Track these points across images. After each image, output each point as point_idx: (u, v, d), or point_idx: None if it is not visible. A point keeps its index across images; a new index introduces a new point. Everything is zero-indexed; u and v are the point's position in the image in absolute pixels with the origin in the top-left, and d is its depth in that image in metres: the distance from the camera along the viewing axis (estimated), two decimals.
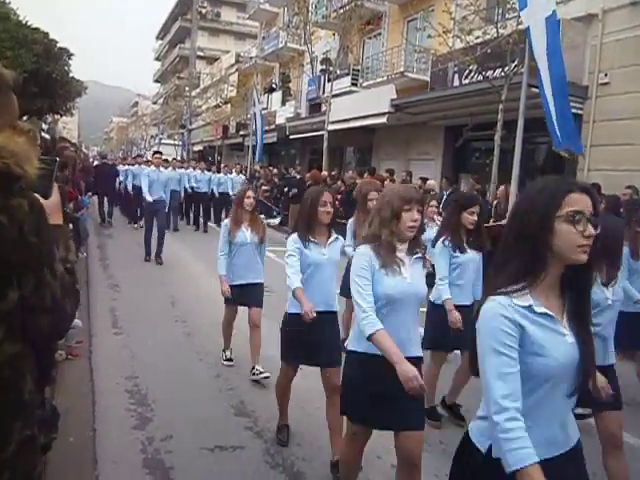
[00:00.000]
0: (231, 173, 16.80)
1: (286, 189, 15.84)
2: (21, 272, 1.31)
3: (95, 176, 13.37)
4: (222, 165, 20.82)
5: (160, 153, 11.92)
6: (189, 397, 4.32)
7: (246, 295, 4.91)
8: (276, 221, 16.47)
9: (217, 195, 15.83)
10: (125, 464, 3.31)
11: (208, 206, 16.07)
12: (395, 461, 3.50)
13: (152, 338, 5.75)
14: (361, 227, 4.55)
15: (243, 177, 18.07)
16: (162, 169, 11.02)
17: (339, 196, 13.87)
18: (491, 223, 9.25)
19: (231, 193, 14.93)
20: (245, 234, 4.91)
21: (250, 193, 5.05)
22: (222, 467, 3.33)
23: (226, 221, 5.05)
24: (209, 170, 16.63)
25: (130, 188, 14.49)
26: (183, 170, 15.60)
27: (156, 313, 6.74)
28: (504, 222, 8.69)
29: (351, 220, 5.24)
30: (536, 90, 8.89)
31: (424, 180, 11.96)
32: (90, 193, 11.62)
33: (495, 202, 9.64)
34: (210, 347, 5.52)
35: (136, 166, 15.33)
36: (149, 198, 10.17)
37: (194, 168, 16.33)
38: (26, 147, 1.32)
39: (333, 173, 16.22)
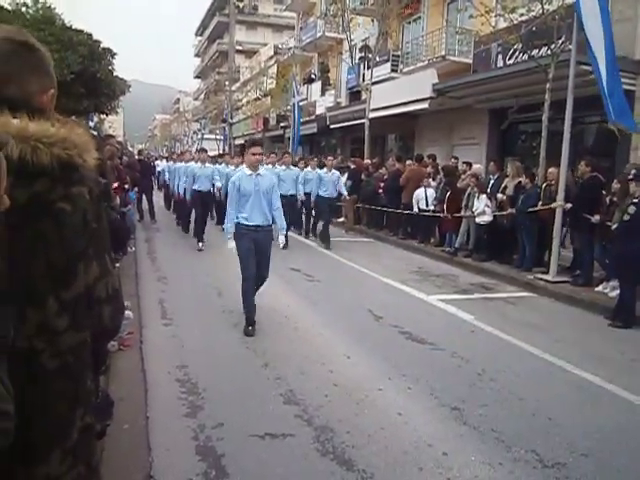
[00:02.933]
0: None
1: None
2: (86, 260, 1.33)
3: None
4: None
5: (205, 150, 12.43)
6: (238, 386, 4.36)
7: None
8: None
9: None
10: (178, 451, 3.36)
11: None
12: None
13: (200, 328, 5.84)
14: None
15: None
16: (207, 164, 11.68)
17: (382, 184, 13.77)
18: (539, 207, 8.99)
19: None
20: None
21: None
22: (272, 454, 3.34)
23: None
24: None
25: (175, 187, 13.84)
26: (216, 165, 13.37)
27: (203, 304, 6.83)
28: (554, 205, 8.43)
29: None
30: (585, 67, 8.55)
31: (469, 164, 11.70)
32: (136, 189, 11.91)
33: (544, 185, 9.33)
34: (257, 337, 5.56)
35: (178, 163, 14.67)
36: (193, 187, 11.11)
37: (227, 164, 13.33)
38: (86, 138, 1.35)
39: (374, 161, 16.05)
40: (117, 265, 9.12)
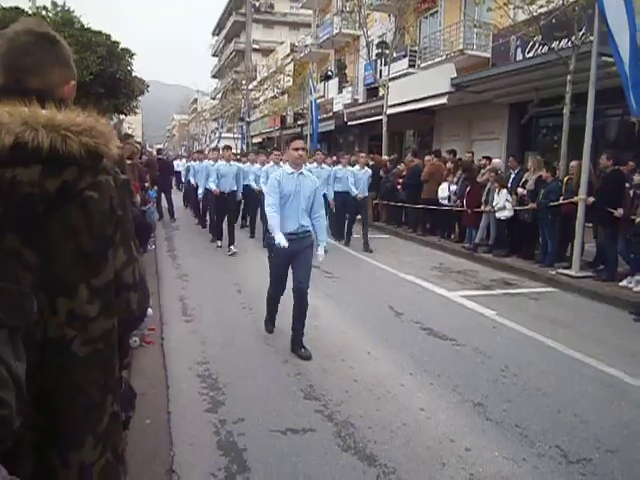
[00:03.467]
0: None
1: None
2: (114, 247, 1.35)
3: None
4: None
5: (230, 147, 11.71)
6: (259, 382, 4.36)
7: None
8: None
9: None
10: (200, 445, 3.37)
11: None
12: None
13: (221, 325, 5.85)
14: None
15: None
16: (232, 162, 11.10)
17: (400, 180, 13.69)
18: (561, 201, 8.86)
19: None
20: None
21: None
22: (294, 449, 3.33)
23: None
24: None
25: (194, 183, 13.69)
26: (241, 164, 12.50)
27: (224, 301, 6.85)
28: (576, 199, 8.30)
29: None
30: (607, 59, 8.39)
31: (488, 159, 11.59)
32: (156, 187, 11.99)
33: (566, 179, 9.19)
34: (277, 333, 5.55)
35: (198, 162, 14.27)
36: (214, 188, 10.36)
37: (252, 162, 12.68)
38: (110, 128, 1.37)
39: (393, 157, 15.98)
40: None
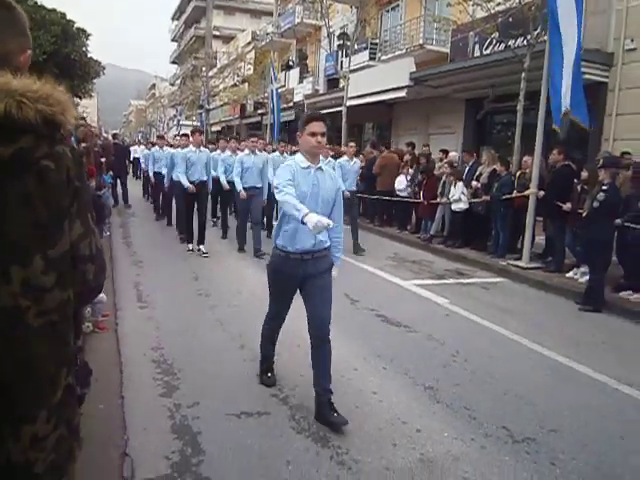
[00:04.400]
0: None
1: None
2: (70, 218, 1.34)
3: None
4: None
5: (200, 132, 10.32)
6: (214, 367, 4.36)
7: None
8: None
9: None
10: (154, 429, 3.36)
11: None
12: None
13: (176, 311, 5.81)
14: None
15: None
16: (202, 149, 9.52)
17: (360, 171, 13.79)
18: (514, 194, 9.13)
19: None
20: None
21: None
22: (248, 431, 3.36)
23: None
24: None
25: (152, 174, 12.99)
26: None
27: (180, 287, 6.80)
28: (527, 192, 8.57)
29: None
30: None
31: (445, 152, 11.81)
32: (112, 172, 11.73)
33: (519, 173, 9.48)
34: (234, 319, 5.56)
35: (157, 148, 13.17)
36: (185, 182, 8.99)
37: (222, 149, 11.44)
38: (67, 97, 1.35)
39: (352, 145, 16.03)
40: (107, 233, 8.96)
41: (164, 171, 11.23)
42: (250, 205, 9.18)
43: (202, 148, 9.50)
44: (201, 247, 9.04)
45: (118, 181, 14.56)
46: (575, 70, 7.53)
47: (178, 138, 11.92)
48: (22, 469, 1.30)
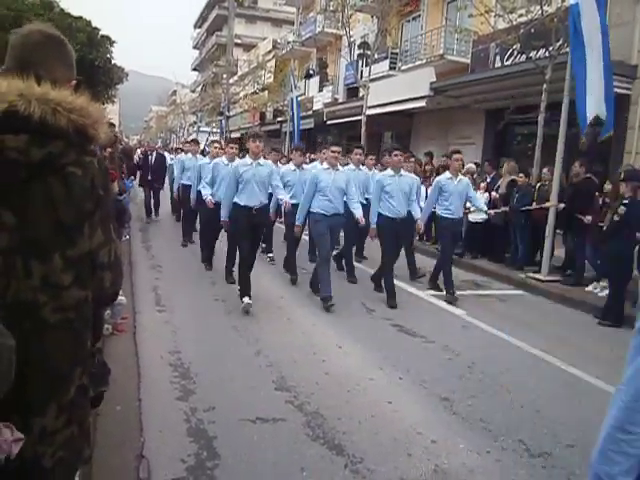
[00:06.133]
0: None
1: None
2: (92, 226, 1.40)
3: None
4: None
5: (235, 141, 9.47)
6: (230, 372, 4.39)
7: None
8: None
9: None
10: (170, 432, 3.39)
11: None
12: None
13: (194, 315, 5.86)
14: None
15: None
16: (262, 161, 6.65)
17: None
18: (534, 206, 9.06)
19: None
20: None
21: None
22: (263, 437, 3.37)
23: None
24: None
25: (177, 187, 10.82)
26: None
27: (197, 292, 6.86)
28: (547, 204, 8.50)
29: None
30: None
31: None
32: (133, 177, 11.85)
33: (538, 185, 9.41)
34: (250, 325, 5.59)
35: (190, 155, 10.81)
36: (209, 198, 7.79)
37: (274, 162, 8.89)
38: (101, 113, 1.45)
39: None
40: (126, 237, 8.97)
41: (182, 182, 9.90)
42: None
43: (262, 160, 6.65)
44: (245, 299, 6.10)
45: (151, 192, 12.81)
46: (607, 82, 7.46)
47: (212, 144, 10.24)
48: (31, 462, 1.33)
